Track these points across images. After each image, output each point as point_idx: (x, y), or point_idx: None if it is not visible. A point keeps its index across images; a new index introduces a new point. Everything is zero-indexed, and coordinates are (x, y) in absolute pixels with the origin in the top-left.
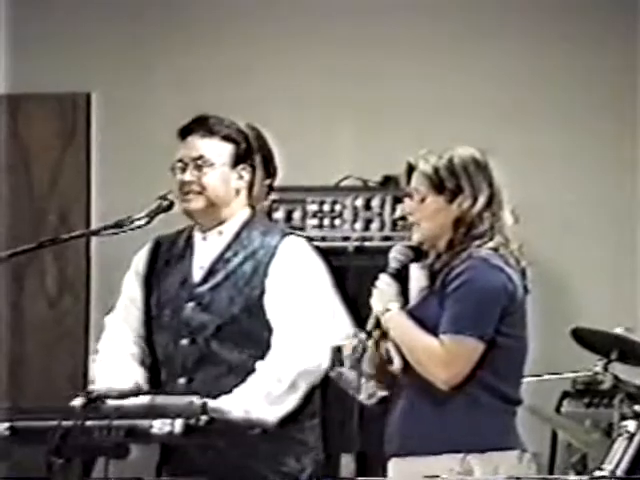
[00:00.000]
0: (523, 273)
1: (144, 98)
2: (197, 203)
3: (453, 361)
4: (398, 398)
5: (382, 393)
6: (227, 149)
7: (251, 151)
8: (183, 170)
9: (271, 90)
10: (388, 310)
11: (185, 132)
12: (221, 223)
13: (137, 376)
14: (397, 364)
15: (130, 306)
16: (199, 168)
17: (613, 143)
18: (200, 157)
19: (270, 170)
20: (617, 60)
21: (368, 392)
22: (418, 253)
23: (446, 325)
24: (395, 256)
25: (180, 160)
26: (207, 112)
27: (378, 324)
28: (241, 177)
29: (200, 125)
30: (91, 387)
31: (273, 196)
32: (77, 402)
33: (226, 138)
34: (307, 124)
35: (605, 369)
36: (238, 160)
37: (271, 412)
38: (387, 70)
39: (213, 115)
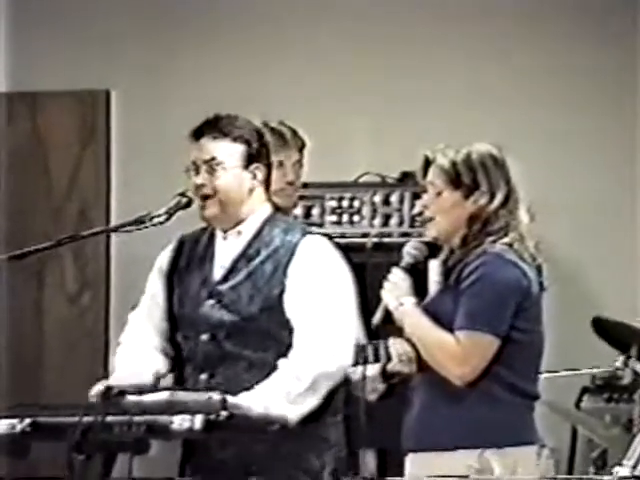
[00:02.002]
0: (539, 269)
1: (163, 95)
2: (212, 209)
3: (469, 357)
4: (415, 394)
5: (381, 386)
6: (239, 150)
7: (266, 149)
8: (196, 172)
9: (289, 87)
10: (402, 304)
11: (197, 134)
12: (239, 223)
13: (158, 365)
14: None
15: (153, 304)
16: (211, 170)
17: (627, 138)
18: (212, 159)
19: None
20: (620, 58)
21: (370, 387)
22: (433, 249)
23: (461, 321)
24: (409, 251)
25: (193, 162)
26: (225, 109)
27: (387, 318)
28: (255, 176)
29: (211, 127)
30: (111, 379)
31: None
32: (95, 390)
33: (238, 139)
34: (325, 120)
35: (625, 364)
36: (251, 160)
37: (291, 410)
38: (405, 66)
39: (225, 115)
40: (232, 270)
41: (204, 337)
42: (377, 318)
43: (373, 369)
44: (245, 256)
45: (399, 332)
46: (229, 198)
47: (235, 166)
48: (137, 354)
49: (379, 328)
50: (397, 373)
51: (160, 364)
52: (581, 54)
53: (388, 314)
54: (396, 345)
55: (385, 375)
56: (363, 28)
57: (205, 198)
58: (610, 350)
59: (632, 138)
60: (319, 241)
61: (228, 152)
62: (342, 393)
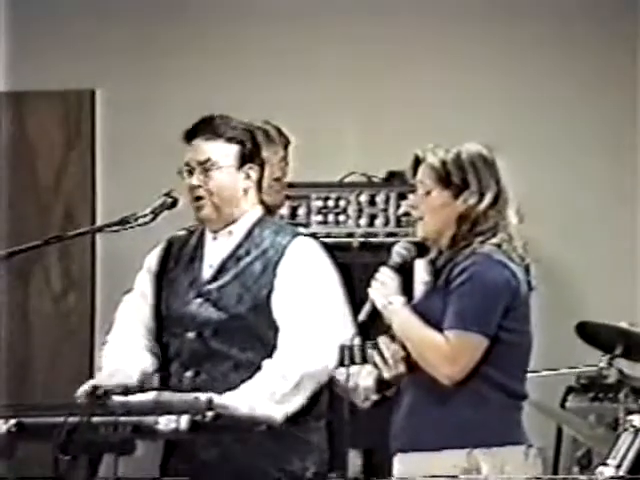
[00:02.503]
0: (527, 270)
1: (149, 95)
2: (206, 210)
3: (458, 357)
4: (403, 394)
5: (375, 397)
6: (233, 150)
7: (258, 149)
8: (190, 173)
9: (276, 88)
10: (391, 303)
11: (190, 135)
12: (231, 223)
13: (145, 363)
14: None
15: (141, 302)
16: (206, 171)
17: (619, 143)
18: (207, 160)
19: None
20: (619, 60)
21: (363, 395)
22: (421, 249)
23: (451, 321)
24: (398, 251)
25: (187, 164)
26: (212, 109)
27: (373, 315)
28: (248, 177)
29: (205, 128)
30: (97, 377)
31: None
32: (81, 391)
33: (231, 139)
34: (311, 120)
35: (610, 364)
36: (244, 160)
37: (276, 410)
38: (391, 66)
39: (218, 115)
40: (221, 270)
41: (190, 335)
42: (363, 315)
43: (367, 379)
44: (234, 256)
45: (386, 330)
46: (223, 199)
47: (229, 166)
48: (124, 353)
49: (368, 327)
50: (391, 382)
51: (147, 363)
52: (577, 56)
53: (374, 312)
54: (385, 346)
55: (379, 385)
56: (350, 29)
57: (199, 199)
58: (595, 350)
59: (627, 142)
60: (309, 243)
61: (222, 152)
62: (326, 395)
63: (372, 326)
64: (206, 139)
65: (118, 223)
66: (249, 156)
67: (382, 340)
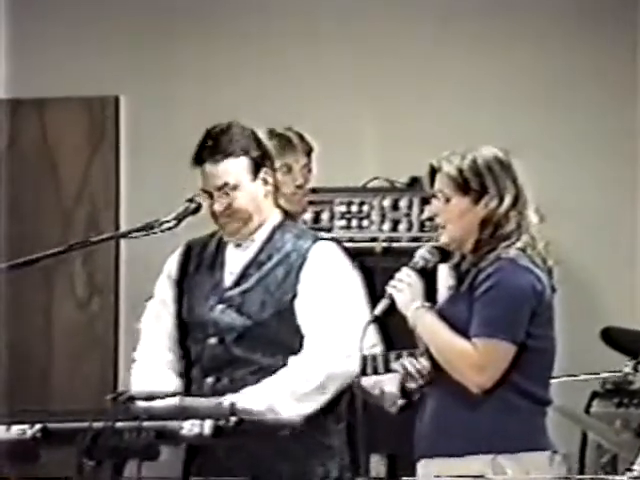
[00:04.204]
0: (549, 272)
1: (172, 100)
2: (234, 227)
3: (487, 365)
4: (427, 399)
5: (401, 402)
6: (243, 163)
7: (264, 150)
8: (210, 197)
9: (297, 91)
10: (417, 308)
11: (198, 160)
12: (255, 230)
13: (173, 385)
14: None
15: (162, 309)
16: (226, 194)
17: (632, 144)
18: (224, 185)
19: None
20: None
21: (389, 401)
22: (445, 254)
23: (478, 328)
24: (423, 254)
25: (203, 190)
26: (235, 115)
27: (388, 310)
28: (266, 182)
29: (210, 150)
30: (122, 389)
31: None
32: (110, 403)
33: (239, 153)
34: (334, 126)
35: (635, 369)
36: (257, 167)
37: (296, 409)
38: (414, 71)
39: (218, 131)
40: (243, 275)
41: (212, 340)
42: (378, 310)
43: (391, 386)
44: (256, 262)
45: (403, 325)
46: (249, 213)
47: (247, 181)
48: (153, 377)
49: (382, 323)
50: (415, 390)
51: (175, 384)
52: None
53: (390, 309)
54: (409, 363)
55: (404, 391)
56: (374, 34)
57: (226, 221)
58: (619, 355)
59: (636, 141)
60: (331, 247)
61: (235, 170)
62: (346, 400)
63: (385, 321)
64: (215, 162)
65: (142, 229)
66: (260, 162)
67: (407, 359)
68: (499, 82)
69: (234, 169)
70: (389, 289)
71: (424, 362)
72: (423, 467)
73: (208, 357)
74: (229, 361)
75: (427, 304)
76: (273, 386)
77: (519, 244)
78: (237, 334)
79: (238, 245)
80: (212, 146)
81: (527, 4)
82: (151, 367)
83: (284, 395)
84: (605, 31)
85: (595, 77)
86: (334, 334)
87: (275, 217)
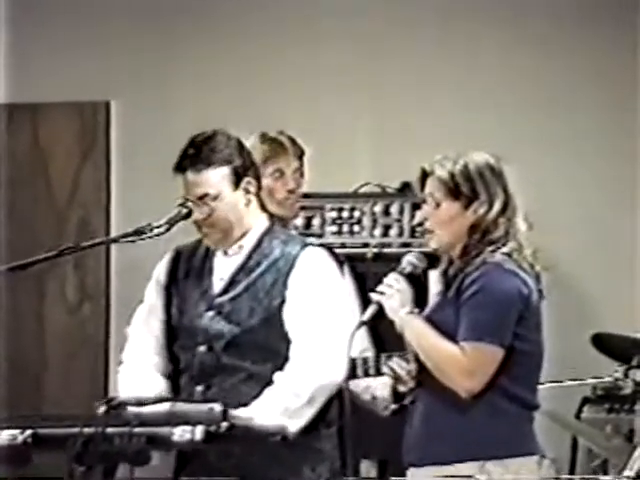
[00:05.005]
0: (537, 278)
1: (164, 106)
2: (214, 237)
3: (476, 369)
4: (415, 406)
5: (394, 406)
6: (225, 172)
7: (250, 159)
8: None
9: (289, 95)
10: (405, 313)
11: (179, 169)
12: (241, 238)
13: (160, 388)
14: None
15: (151, 315)
16: (206, 204)
17: (631, 147)
18: (205, 195)
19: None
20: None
21: (381, 405)
22: (433, 260)
23: (466, 332)
24: (410, 260)
25: (185, 198)
26: (227, 120)
27: (376, 315)
28: (248, 191)
29: (192, 159)
30: (112, 395)
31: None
32: (100, 409)
33: (221, 162)
34: (325, 131)
35: (626, 375)
36: (239, 177)
37: (290, 424)
38: (406, 76)
39: (201, 140)
40: (232, 282)
41: (201, 348)
42: (367, 316)
43: (383, 390)
44: (245, 268)
45: (394, 329)
46: (231, 223)
47: (229, 191)
48: (139, 379)
49: (370, 327)
50: (407, 393)
51: (162, 388)
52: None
53: (378, 314)
54: (397, 366)
55: (396, 395)
56: (366, 40)
57: (206, 231)
58: (610, 360)
59: (636, 140)
60: (319, 253)
61: (216, 180)
62: (336, 404)
63: (376, 326)
64: (197, 171)
65: (133, 234)
66: (243, 171)
67: (395, 360)
68: (499, 82)
69: (215, 179)
70: (375, 295)
71: (414, 365)
72: (413, 475)
73: (197, 365)
74: (218, 369)
75: (415, 309)
76: (264, 405)
77: (505, 249)
78: (226, 342)
79: (226, 252)
80: (194, 155)
81: (527, 5)
82: (138, 369)
83: (276, 414)
84: (605, 32)
85: (595, 77)
86: (321, 341)
87: (262, 223)
